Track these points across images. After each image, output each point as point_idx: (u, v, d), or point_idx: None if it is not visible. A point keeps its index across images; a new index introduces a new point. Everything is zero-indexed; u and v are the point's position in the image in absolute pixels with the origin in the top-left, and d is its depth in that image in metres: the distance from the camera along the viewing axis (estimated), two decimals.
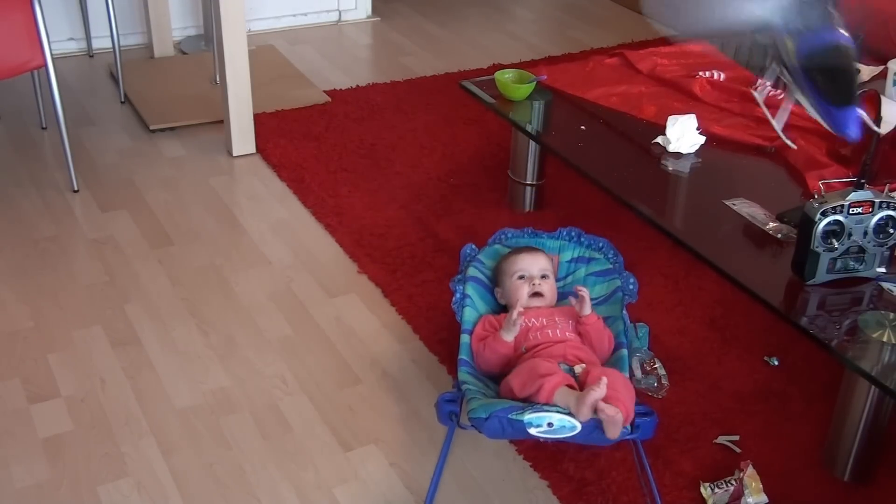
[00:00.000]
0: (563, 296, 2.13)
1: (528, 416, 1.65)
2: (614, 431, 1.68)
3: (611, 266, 2.18)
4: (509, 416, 1.67)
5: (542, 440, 1.74)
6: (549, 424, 1.66)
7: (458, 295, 2.12)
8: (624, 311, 2.08)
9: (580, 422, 1.66)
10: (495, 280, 2.16)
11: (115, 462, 1.93)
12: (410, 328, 2.34)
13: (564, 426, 1.65)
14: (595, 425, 1.67)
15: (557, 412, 1.65)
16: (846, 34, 1.65)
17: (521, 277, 2.08)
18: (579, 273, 2.21)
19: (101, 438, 1.98)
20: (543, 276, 2.08)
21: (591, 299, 2.08)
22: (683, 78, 2.78)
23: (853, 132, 1.52)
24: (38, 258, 2.56)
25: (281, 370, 2.19)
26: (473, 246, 2.23)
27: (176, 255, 2.60)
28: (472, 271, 2.17)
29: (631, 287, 2.13)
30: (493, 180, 2.96)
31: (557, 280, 2.19)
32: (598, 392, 1.66)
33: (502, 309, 2.12)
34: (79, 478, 1.89)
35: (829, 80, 1.60)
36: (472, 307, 2.11)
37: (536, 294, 2.05)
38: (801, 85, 1.64)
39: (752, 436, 2.03)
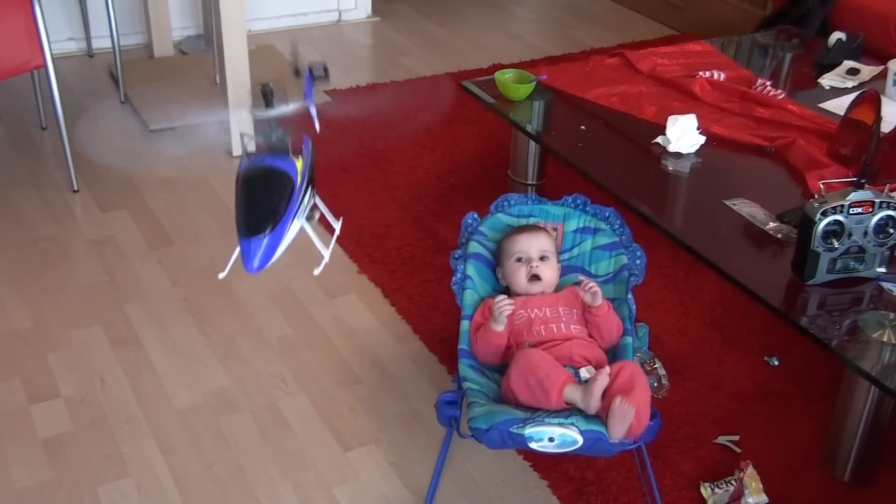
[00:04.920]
0: (567, 269, 2.06)
1: (528, 431, 1.63)
2: (619, 430, 1.64)
3: (617, 239, 2.08)
4: (510, 429, 1.64)
5: (543, 453, 1.71)
6: (551, 439, 1.63)
7: (458, 275, 2.03)
8: (629, 295, 2.00)
9: (582, 435, 1.64)
10: (497, 259, 2.07)
11: (115, 462, 1.93)
12: (410, 328, 2.34)
13: (566, 440, 1.63)
14: (597, 438, 1.64)
15: (560, 425, 1.63)
16: (292, 162, 1.53)
17: (519, 259, 1.99)
18: (585, 245, 2.09)
19: (101, 438, 1.98)
20: (542, 258, 1.99)
21: (598, 276, 2.02)
22: (683, 78, 2.78)
23: (252, 266, 1.41)
24: (38, 258, 2.56)
25: (281, 370, 2.19)
26: (475, 215, 2.14)
27: (176, 255, 2.60)
28: (473, 246, 2.08)
29: (638, 262, 2.05)
30: (493, 180, 2.96)
31: (562, 252, 2.10)
32: (601, 380, 1.65)
33: (504, 290, 2.03)
34: (79, 478, 1.89)
35: (252, 204, 1.46)
36: (472, 289, 2.02)
37: (534, 277, 1.97)
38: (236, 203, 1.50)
39: (752, 436, 2.03)
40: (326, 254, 1.64)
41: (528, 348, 1.82)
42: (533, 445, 1.64)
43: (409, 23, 4.37)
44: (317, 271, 1.64)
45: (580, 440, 1.63)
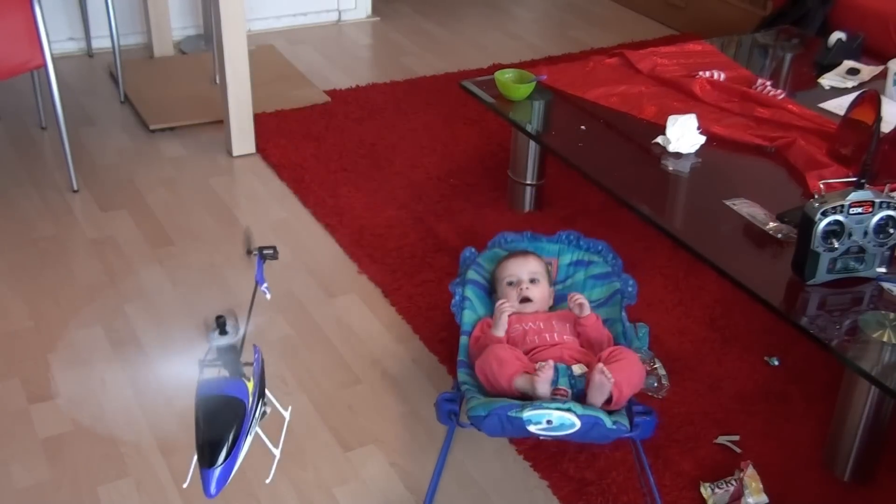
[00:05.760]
0: (562, 298, 2.13)
1: (527, 414, 1.66)
2: (598, 397, 1.73)
3: (610, 269, 2.19)
4: (508, 413, 1.67)
5: (541, 437, 1.74)
6: (549, 422, 1.66)
7: (457, 297, 2.14)
8: (623, 313, 2.09)
9: (579, 419, 1.66)
10: (492, 286, 2.17)
11: (115, 462, 1.93)
12: (410, 328, 2.34)
13: (564, 423, 1.66)
14: (594, 422, 1.67)
15: (557, 409, 1.65)
16: (244, 387, 1.63)
17: (510, 283, 2.09)
18: (578, 276, 2.22)
19: (101, 438, 1.98)
20: (533, 280, 2.10)
21: (591, 301, 2.09)
22: (683, 78, 2.78)
23: (211, 492, 1.52)
24: (38, 258, 2.56)
25: (281, 370, 2.19)
26: (473, 249, 2.25)
27: (176, 255, 2.60)
28: (471, 274, 2.18)
29: (630, 289, 2.15)
30: (493, 180, 2.96)
31: (556, 283, 2.20)
32: (545, 373, 1.73)
33: None
34: (79, 478, 1.89)
35: (207, 436, 1.54)
36: (471, 309, 2.12)
37: (525, 299, 2.06)
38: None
39: (753, 436, 2.03)
40: (277, 453, 1.79)
41: (498, 344, 1.89)
42: (531, 428, 1.66)
43: (409, 23, 4.37)
44: (268, 480, 1.82)
45: (578, 423, 1.66)
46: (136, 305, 2.39)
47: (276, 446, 1.84)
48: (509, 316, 1.97)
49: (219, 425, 1.56)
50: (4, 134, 3.19)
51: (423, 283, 2.49)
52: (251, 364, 1.74)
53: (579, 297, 1.99)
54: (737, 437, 2.02)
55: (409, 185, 2.96)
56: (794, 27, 3.37)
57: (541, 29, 4.43)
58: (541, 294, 2.09)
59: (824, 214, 1.84)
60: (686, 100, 2.69)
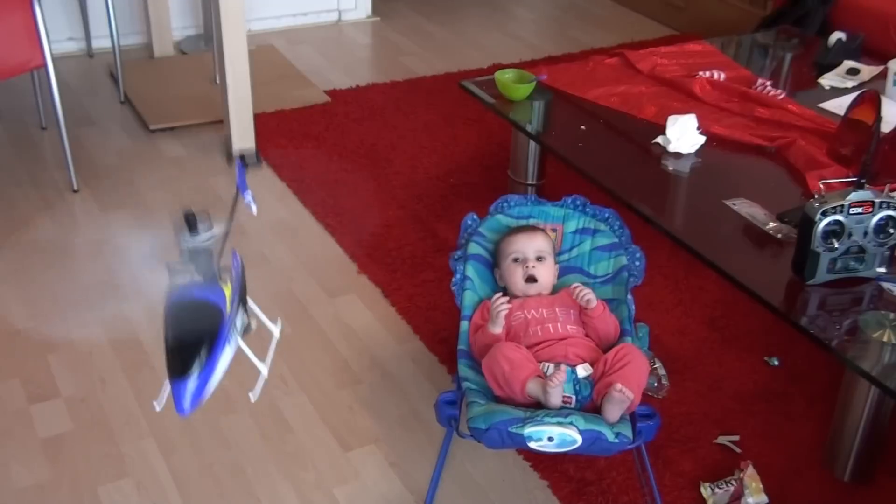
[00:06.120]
0: (566, 270, 2.06)
1: (528, 430, 1.63)
2: (615, 413, 1.68)
3: (616, 240, 2.10)
4: (509, 429, 1.64)
5: (542, 452, 1.72)
6: (550, 438, 1.63)
7: (457, 276, 2.04)
8: (629, 296, 2.01)
9: (581, 435, 1.64)
10: (495, 259, 2.08)
11: (115, 462, 1.93)
12: (410, 328, 2.34)
13: (565, 440, 1.63)
14: (596, 437, 1.65)
15: (559, 424, 1.63)
16: (221, 291, 1.46)
17: (516, 260, 1.99)
18: (584, 246, 2.11)
19: (101, 438, 1.98)
20: (539, 258, 1.99)
21: (597, 277, 2.03)
22: (683, 78, 2.78)
23: (183, 408, 1.34)
24: (38, 258, 2.56)
25: (281, 370, 2.19)
26: (475, 216, 2.14)
27: (176, 255, 2.59)
28: (473, 248, 2.08)
29: (637, 263, 2.06)
30: (493, 180, 2.96)
31: (561, 252, 2.10)
32: (558, 377, 1.69)
33: (503, 291, 2.02)
34: (79, 478, 1.89)
35: (178, 344, 1.38)
36: (472, 290, 2.03)
37: (530, 278, 1.98)
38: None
39: (753, 436, 2.03)
40: (264, 370, 1.58)
41: (504, 342, 1.84)
42: (532, 445, 1.64)
43: (409, 23, 4.37)
44: (253, 396, 1.60)
45: (579, 440, 1.63)
46: (136, 305, 2.39)
47: (264, 363, 1.64)
48: (508, 301, 1.90)
49: (190, 331, 1.40)
50: (4, 134, 3.19)
51: (423, 283, 2.49)
52: (230, 271, 1.56)
53: (587, 293, 1.90)
54: (737, 437, 2.02)
55: (409, 185, 2.95)
56: (794, 27, 3.36)
57: (541, 29, 4.43)
58: (546, 273, 1.99)
59: (824, 214, 1.83)
60: (686, 100, 2.69)
